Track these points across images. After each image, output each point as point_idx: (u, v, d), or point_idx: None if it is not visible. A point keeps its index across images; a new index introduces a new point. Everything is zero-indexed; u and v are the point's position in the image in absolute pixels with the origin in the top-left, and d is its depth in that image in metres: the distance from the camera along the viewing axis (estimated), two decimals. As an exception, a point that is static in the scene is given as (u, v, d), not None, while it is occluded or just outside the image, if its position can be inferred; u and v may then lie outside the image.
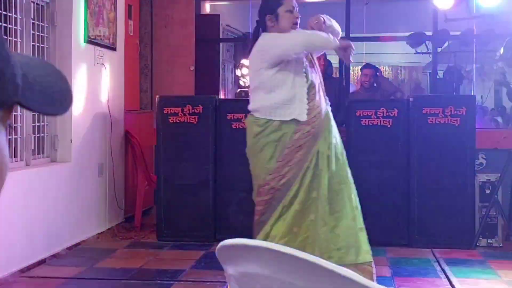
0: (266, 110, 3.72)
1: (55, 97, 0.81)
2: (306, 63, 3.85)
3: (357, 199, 3.90)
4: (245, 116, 4.04)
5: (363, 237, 3.82)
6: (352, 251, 3.76)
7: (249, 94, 3.92)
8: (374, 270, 3.81)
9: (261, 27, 3.82)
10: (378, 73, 7.10)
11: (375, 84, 7.12)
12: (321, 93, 3.87)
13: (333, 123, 3.86)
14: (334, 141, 3.83)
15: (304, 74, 3.78)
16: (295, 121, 3.70)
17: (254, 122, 3.77)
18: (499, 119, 8.44)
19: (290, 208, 3.72)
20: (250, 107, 3.86)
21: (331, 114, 3.89)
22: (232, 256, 1.30)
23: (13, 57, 0.74)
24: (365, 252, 3.80)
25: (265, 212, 3.79)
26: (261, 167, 3.78)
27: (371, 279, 3.69)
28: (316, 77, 3.89)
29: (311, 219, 3.73)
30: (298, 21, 3.82)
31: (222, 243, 1.32)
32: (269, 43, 3.71)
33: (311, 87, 3.77)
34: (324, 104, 3.83)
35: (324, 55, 6.90)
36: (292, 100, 3.69)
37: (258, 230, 3.80)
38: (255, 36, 3.84)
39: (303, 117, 3.70)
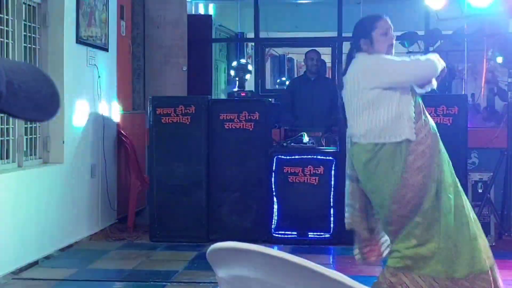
0: (374, 133, 3.49)
1: (41, 103, 0.80)
2: None
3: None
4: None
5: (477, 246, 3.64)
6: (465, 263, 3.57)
7: (347, 119, 3.64)
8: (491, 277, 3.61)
9: (356, 49, 3.69)
10: None
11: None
12: (425, 110, 3.67)
13: (440, 142, 3.67)
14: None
15: (410, 92, 3.59)
16: (406, 141, 3.47)
17: (363, 149, 3.52)
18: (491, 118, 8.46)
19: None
20: (353, 133, 3.60)
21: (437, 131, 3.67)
22: (223, 259, 1.30)
23: None
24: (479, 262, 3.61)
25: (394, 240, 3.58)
26: (384, 194, 3.50)
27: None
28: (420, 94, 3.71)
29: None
30: (394, 42, 3.69)
31: (213, 246, 1.33)
32: (387, 67, 3.53)
33: (417, 104, 3.59)
34: (432, 122, 3.65)
35: (318, 54, 6.91)
36: (400, 117, 3.49)
37: None
38: (350, 58, 3.71)
39: (413, 136, 3.46)
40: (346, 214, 3.77)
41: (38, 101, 0.80)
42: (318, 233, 5.81)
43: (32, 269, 4.85)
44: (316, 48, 7.18)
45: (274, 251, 1.17)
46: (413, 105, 3.55)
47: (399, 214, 3.47)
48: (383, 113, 3.46)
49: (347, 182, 3.74)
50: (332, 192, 5.72)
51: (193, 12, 8.68)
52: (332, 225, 5.75)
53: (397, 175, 3.43)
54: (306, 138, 5.96)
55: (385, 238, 3.74)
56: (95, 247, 5.61)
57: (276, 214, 5.76)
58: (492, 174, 5.62)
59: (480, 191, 5.67)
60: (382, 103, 3.47)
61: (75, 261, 5.11)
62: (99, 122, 6.07)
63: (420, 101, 3.65)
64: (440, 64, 3.56)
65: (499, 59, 5.79)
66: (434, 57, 3.58)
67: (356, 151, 3.57)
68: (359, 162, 3.55)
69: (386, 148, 3.46)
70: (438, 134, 3.63)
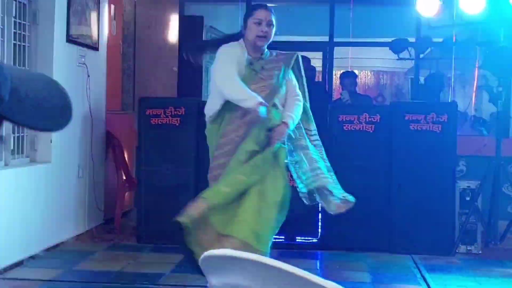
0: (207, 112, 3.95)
1: (50, 113, 0.78)
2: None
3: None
4: None
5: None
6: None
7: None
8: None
9: (241, 34, 3.96)
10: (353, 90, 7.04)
11: (356, 89, 7.13)
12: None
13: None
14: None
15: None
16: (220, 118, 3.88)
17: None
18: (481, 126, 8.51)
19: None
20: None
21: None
22: (216, 266, 1.29)
23: (3, 69, 0.72)
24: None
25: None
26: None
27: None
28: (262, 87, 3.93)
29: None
30: (266, 34, 3.83)
31: (206, 253, 1.31)
32: (216, 64, 3.88)
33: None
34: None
35: (308, 62, 6.91)
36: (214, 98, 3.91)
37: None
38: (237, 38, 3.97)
39: (209, 112, 3.90)
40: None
41: (47, 111, 0.78)
42: (306, 238, 5.80)
43: (17, 269, 4.80)
44: (308, 53, 7.17)
45: (268, 260, 1.16)
46: None
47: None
48: (214, 97, 3.88)
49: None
50: (320, 197, 5.71)
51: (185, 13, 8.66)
52: (319, 230, 5.75)
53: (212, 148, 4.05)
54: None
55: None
56: (81, 247, 5.57)
57: (264, 218, 5.74)
58: (480, 182, 5.64)
59: (467, 199, 5.69)
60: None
61: (61, 262, 5.07)
62: (87, 122, 6.03)
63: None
64: (253, 105, 3.69)
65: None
66: (252, 102, 3.70)
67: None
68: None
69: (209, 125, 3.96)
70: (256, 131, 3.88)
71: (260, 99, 3.68)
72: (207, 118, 3.98)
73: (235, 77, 3.75)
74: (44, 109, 0.78)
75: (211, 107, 3.90)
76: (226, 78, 3.77)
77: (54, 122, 0.79)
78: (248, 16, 3.86)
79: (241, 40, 3.92)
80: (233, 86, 3.74)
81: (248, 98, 3.69)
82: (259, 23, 3.80)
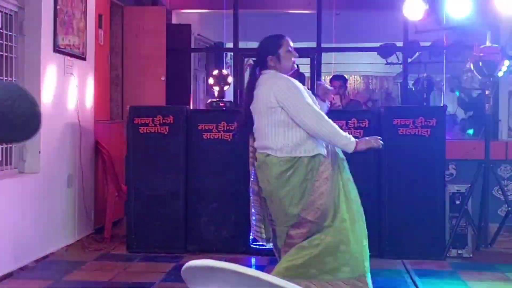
0: (290, 147, 3.75)
1: (17, 123, 0.76)
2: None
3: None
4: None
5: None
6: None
7: (259, 131, 3.88)
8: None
9: (260, 66, 3.92)
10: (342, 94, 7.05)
11: (346, 94, 7.14)
12: None
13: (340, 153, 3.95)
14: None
15: (318, 108, 3.84)
16: (319, 155, 3.76)
17: (279, 161, 3.76)
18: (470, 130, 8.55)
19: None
20: (267, 145, 3.82)
21: None
22: (198, 277, 1.28)
23: None
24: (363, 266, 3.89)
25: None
26: (294, 203, 3.76)
27: None
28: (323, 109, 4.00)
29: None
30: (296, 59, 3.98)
31: (187, 264, 1.30)
32: (297, 102, 3.73)
33: None
34: None
35: (297, 67, 6.92)
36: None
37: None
38: (254, 74, 3.93)
39: (324, 151, 3.78)
40: (260, 228, 3.99)
41: (13, 121, 0.76)
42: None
43: (7, 280, 4.77)
44: (296, 59, 7.16)
45: (248, 270, 1.15)
46: None
47: (309, 219, 3.74)
48: (299, 130, 3.74)
49: (253, 197, 4.02)
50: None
51: (172, 21, 8.66)
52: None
53: (308, 183, 3.72)
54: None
55: None
56: (71, 258, 5.54)
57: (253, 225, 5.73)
58: (469, 185, 5.65)
59: (457, 202, 5.70)
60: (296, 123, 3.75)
61: (51, 273, 5.04)
62: (76, 131, 6.01)
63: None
64: (354, 145, 3.80)
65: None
66: (350, 146, 3.78)
67: (270, 162, 3.79)
68: (272, 172, 3.78)
69: (301, 160, 3.74)
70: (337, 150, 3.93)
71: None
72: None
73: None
74: (9, 120, 0.75)
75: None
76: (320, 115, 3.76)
77: (22, 132, 0.77)
78: (278, 47, 3.87)
79: (275, 72, 3.87)
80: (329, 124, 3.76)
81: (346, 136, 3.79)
82: (291, 51, 3.91)
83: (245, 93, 3.97)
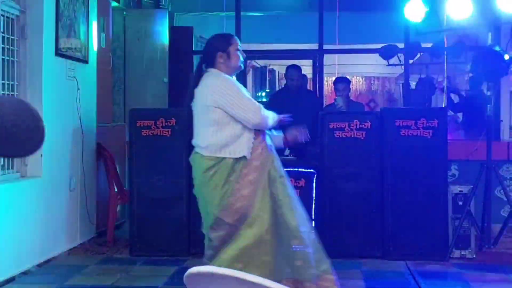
0: (215, 147, 3.78)
1: (20, 138, 0.76)
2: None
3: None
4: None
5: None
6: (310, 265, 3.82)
7: (194, 128, 3.93)
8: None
9: (208, 63, 3.95)
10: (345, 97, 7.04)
11: (349, 95, 7.14)
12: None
13: (275, 154, 3.96)
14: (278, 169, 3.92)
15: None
16: (244, 158, 3.79)
17: (203, 160, 3.80)
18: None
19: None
20: (196, 143, 3.88)
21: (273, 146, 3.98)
22: (200, 283, 1.28)
23: None
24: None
25: (220, 248, 3.77)
26: (214, 204, 3.78)
27: None
28: None
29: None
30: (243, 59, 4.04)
31: (190, 270, 1.30)
32: (231, 95, 3.78)
33: None
34: (268, 140, 3.94)
35: (299, 71, 6.93)
36: (241, 137, 3.80)
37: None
38: (200, 71, 3.96)
39: (249, 155, 3.79)
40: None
41: (16, 136, 0.76)
42: (299, 246, 5.77)
43: (9, 285, 4.76)
44: (298, 61, 7.19)
45: (250, 276, 1.15)
46: None
47: (227, 222, 3.74)
48: (228, 131, 3.80)
49: None
50: (313, 205, 5.71)
51: (174, 24, 8.67)
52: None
53: (230, 184, 3.75)
54: (286, 151, 5.95)
55: None
56: (73, 262, 5.54)
57: (257, 228, 5.73)
58: (472, 186, 5.64)
59: (460, 203, 5.69)
60: (227, 122, 3.79)
61: (53, 277, 5.03)
62: (78, 135, 6.01)
63: None
64: (273, 120, 3.92)
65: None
66: (272, 118, 3.90)
67: (196, 159, 3.84)
68: (197, 170, 3.84)
69: (225, 161, 3.78)
70: (274, 151, 3.94)
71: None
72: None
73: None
74: (13, 135, 0.75)
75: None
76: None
77: (26, 146, 0.77)
78: (229, 44, 3.93)
79: (214, 70, 3.91)
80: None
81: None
82: (239, 50, 3.97)
83: (189, 90, 3.96)
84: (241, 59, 3.98)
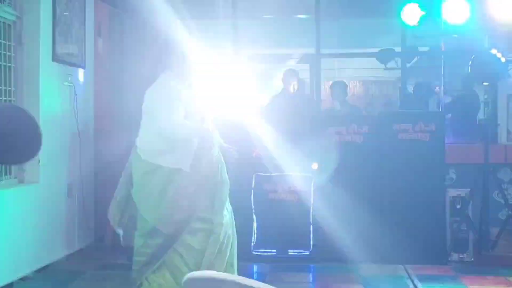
0: (153, 152, 3.70)
1: (18, 145, 0.76)
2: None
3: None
4: None
5: None
6: None
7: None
8: None
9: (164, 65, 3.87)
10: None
11: (346, 99, 7.15)
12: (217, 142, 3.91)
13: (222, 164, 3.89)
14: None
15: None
16: (180, 170, 3.69)
17: (141, 163, 3.72)
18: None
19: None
20: (137, 143, 3.80)
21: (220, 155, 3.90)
22: (199, 288, 1.28)
23: None
24: None
25: (151, 260, 3.73)
26: (150, 211, 3.72)
27: None
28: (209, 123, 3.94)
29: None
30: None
31: (189, 275, 1.30)
32: (158, 101, 3.72)
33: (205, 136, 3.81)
34: (218, 153, 3.87)
35: (296, 76, 6.93)
36: (180, 148, 3.70)
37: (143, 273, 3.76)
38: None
39: (187, 168, 3.70)
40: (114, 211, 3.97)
41: (15, 143, 0.76)
42: (298, 251, 5.78)
43: (7, 291, 4.76)
44: (296, 65, 7.19)
45: (249, 281, 1.15)
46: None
47: (164, 232, 3.68)
48: (166, 139, 3.67)
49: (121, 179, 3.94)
50: (311, 209, 5.72)
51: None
52: (311, 243, 5.74)
53: (168, 195, 3.64)
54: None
55: None
56: (72, 268, 5.53)
57: (255, 232, 5.73)
58: (470, 190, 5.65)
59: (458, 207, 5.70)
60: None
61: (51, 283, 5.03)
62: (75, 140, 6.00)
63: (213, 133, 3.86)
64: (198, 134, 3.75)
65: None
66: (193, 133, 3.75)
67: (136, 160, 3.76)
68: (136, 170, 3.74)
69: (163, 170, 3.66)
70: (224, 166, 3.88)
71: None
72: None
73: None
74: (10, 142, 0.75)
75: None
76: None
77: (23, 153, 0.77)
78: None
79: (165, 76, 3.83)
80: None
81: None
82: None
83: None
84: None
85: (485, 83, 7.01)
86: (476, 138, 7.00)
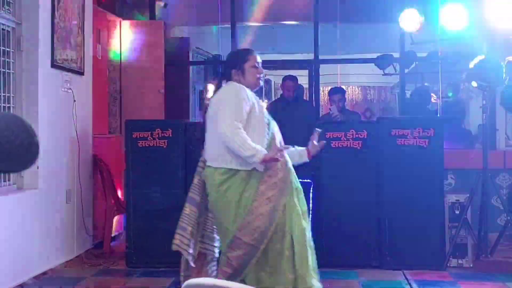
0: (225, 157, 3.69)
1: (14, 153, 0.76)
2: (269, 116, 3.91)
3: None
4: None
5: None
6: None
7: (205, 141, 3.85)
8: None
9: (226, 79, 3.93)
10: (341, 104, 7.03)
11: (345, 105, 7.15)
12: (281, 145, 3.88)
13: (293, 172, 3.87)
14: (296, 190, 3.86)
15: (267, 125, 3.82)
16: (255, 171, 3.69)
17: (215, 173, 3.72)
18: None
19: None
20: (207, 156, 3.81)
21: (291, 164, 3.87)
22: (198, 295, 1.28)
23: None
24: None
25: (239, 268, 3.72)
26: (230, 221, 3.70)
27: None
28: (278, 130, 3.94)
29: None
30: (262, 76, 3.98)
31: (187, 282, 1.30)
32: (223, 101, 3.73)
33: (271, 139, 3.81)
34: (287, 158, 3.84)
35: (295, 81, 6.94)
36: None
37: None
38: (219, 87, 3.92)
39: (261, 168, 3.68)
40: (176, 236, 3.92)
41: (11, 151, 0.76)
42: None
43: (6, 297, 4.75)
44: (294, 71, 7.20)
45: (249, 288, 1.15)
46: (267, 139, 3.76)
47: (244, 241, 3.65)
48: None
49: (187, 205, 3.92)
50: (310, 215, 5.70)
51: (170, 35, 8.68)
52: (310, 248, 5.72)
53: (247, 201, 3.64)
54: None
55: (214, 268, 3.95)
56: (70, 274, 5.52)
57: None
58: (468, 195, 5.65)
59: (457, 212, 5.70)
60: None
61: (50, 289, 5.01)
62: (74, 146, 6.00)
63: (277, 136, 3.85)
64: (258, 159, 3.64)
65: (474, 83, 5.84)
66: (258, 156, 3.63)
67: (209, 173, 3.76)
68: (211, 184, 3.74)
69: (239, 174, 3.68)
70: (292, 170, 3.84)
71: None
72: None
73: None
74: (7, 151, 0.75)
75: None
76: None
77: (20, 162, 0.77)
78: (244, 61, 3.89)
79: (232, 83, 3.86)
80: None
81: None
82: (256, 67, 3.92)
83: (205, 102, 3.97)
84: (258, 75, 3.91)
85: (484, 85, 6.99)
86: (462, 143, 7.02)
